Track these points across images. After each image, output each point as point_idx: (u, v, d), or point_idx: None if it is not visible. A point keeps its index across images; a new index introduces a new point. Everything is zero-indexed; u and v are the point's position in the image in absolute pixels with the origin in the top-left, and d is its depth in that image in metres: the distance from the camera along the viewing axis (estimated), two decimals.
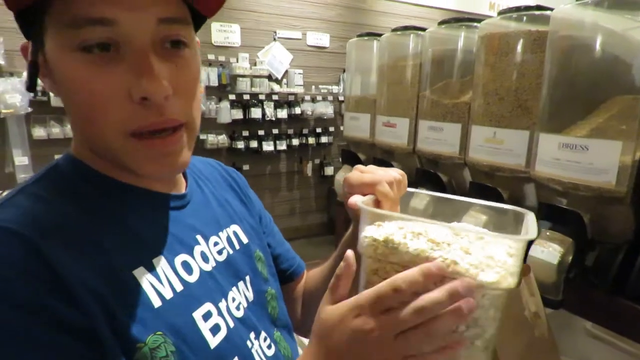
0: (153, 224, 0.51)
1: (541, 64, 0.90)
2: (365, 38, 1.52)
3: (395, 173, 0.54)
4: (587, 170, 0.75)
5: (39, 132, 3.24)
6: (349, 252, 0.43)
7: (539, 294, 0.80)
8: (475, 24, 1.13)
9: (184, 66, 0.45)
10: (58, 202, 0.45)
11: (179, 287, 0.49)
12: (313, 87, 4.37)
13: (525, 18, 0.96)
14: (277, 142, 4.12)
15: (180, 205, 0.55)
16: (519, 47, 0.93)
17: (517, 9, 0.96)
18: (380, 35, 1.46)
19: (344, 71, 4.44)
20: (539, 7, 0.93)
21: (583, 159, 0.76)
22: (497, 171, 0.98)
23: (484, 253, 0.38)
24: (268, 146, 4.06)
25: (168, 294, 0.47)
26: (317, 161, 4.56)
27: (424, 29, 1.29)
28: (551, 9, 0.91)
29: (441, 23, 1.19)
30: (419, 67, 1.26)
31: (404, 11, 4.84)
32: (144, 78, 0.41)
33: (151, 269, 0.47)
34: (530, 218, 0.45)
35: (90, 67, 0.41)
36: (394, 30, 1.36)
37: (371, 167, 0.55)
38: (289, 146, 4.22)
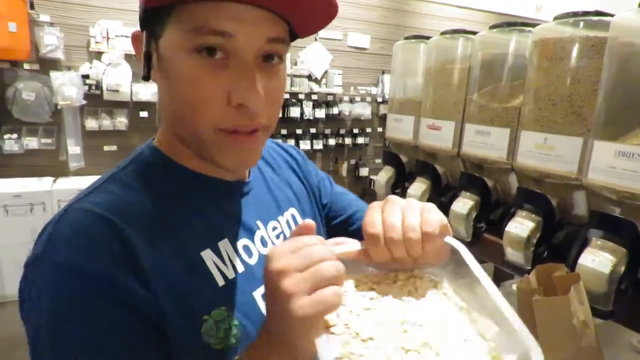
0: (219, 210, 0.57)
1: (598, 70, 0.88)
2: (412, 41, 1.52)
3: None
4: None
5: (91, 124, 3.43)
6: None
7: (588, 304, 0.79)
8: (528, 28, 1.12)
9: (276, 79, 0.51)
10: (139, 189, 0.52)
11: (240, 269, 0.55)
12: (352, 87, 4.39)
13: (582, 24, 0.95)
14: (314, 141, 4.17)
15: (243, 192, 0.61)
16: (575, 53, 0.91)
17: (575, 14, 0.94)
18: (426, 37, 1.47)
19: (383, 72, 4.43)
20: (598, 13, 0.91)
21: None
22: (547, 177, 0.97)
23: None
24: (305, 145, 4.11)
25: (230, 274, 0.54)
26: (352, 161, 4.58)
27: (473, 33, 1.28)
28: (610, 15, 0.90)
29: (492, 27, 1.19)
30: (467, 71, 1.25)
31: (447, 13, 4.77)
32: (247, 88, 0.46)
33: (216, 251, 0.53)
34: None
35: (200, 68, 0.46)
36: (443, 33, 1.36)
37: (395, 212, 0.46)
38: (325, 146, 4.26)
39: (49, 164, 3.43)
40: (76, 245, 0.43)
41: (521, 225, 0.96)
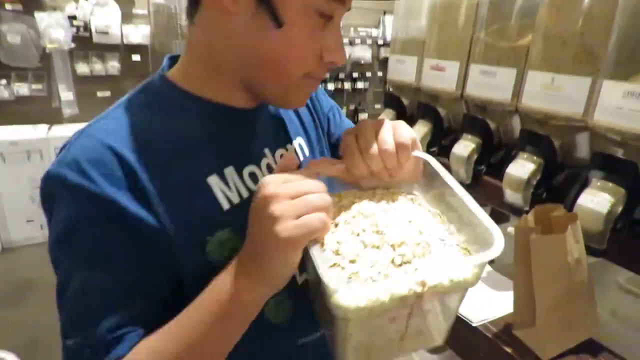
0: (227, 137, 0.58)
1: (614, 7, 0.84)
2: None
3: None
4: None
5: (82, 69, 3.33)
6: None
7: (583, 242, 0.81)
8: None
9: None
10: (147, 117, 0.54)
11: (245, 194, 0.58)
12: (351, 29, 4.22)
13: None
14: None
15: (253, 119, 0.62)
16: None
17: None
18: None
19: (385, 13, 4.23)
20: None
21: None
22: (551, 119, 0.96)
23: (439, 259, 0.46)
24: None
25: (235, 199, 0.56)
26: (351, 107, 4.50)
27: None
28: None
29: None
30: (475, 7, 1.20)
31: None
32: (338, 50, 0.53)
33: (222, 176, 0.56)
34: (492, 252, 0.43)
35: (310, 28, 0.50)
36: None
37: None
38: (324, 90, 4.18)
39: (42, 111, 3.37)
40: (82, 170, 0.47)
41: (522, 167, 0.97)
